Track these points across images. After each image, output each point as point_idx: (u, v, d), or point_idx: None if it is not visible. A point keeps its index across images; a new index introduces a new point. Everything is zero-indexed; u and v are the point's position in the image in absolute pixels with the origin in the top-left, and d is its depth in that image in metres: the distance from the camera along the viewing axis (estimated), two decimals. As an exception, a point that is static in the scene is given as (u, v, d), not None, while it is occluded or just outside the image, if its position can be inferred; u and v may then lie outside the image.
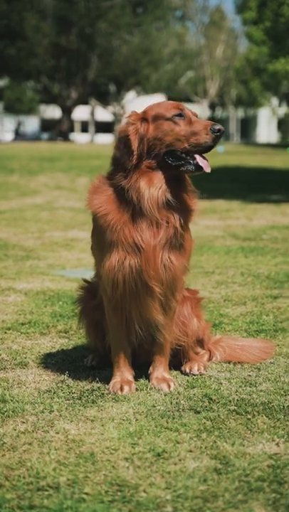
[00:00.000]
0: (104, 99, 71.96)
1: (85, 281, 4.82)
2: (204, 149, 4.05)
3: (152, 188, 4.03)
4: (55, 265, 8.18)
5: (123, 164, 4.07)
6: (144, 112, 4.14)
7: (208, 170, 4.08)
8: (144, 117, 4.10)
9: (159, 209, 4.06)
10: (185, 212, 4.17)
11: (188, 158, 4.06)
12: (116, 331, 4.35)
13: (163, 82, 70.96)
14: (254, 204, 15.34)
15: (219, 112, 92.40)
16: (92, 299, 4.58)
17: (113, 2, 56.79)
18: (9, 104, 76.06)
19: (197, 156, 4.06)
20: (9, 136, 73.61)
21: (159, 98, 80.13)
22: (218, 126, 4.02)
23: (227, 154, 40.82)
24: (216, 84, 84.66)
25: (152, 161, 4.06)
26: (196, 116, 4.14)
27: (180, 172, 4.10)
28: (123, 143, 4.09)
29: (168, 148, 4.05)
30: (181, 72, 78.58)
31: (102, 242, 4.18)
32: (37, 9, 56.15)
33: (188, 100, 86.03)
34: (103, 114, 77.95)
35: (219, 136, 4.04)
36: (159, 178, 4.06)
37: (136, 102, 70.31)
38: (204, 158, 4.10)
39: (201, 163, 4.06)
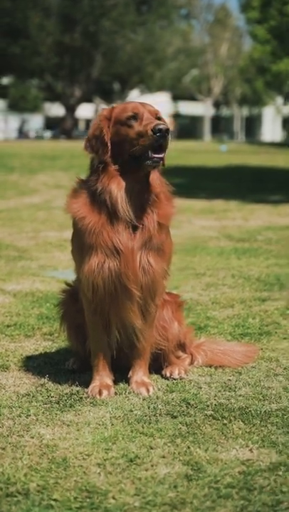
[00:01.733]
0: (109, 98, 71.94)
1: (67, 284, 4.82)
2: (153, 149, 4.00)
3: (122, 192, 4.04)
4: (46, 266, 8.18)
5: (97, 159, 4.08)
6: (111, 110, 4.17)
7: (159, 156, 4.00)
8: (110, 116, 4.12)
9: (134, 212, 4.07)
10: (160, 216, 4.17)
11: (145, 155, 4.02)
12: (95, 334, 4.35)
13: (167, 80, 70.94)
14: (252, 204, 15.33)
15: (223, 111, 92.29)
16: (74, 303, 4.58)
17: (117, 0, 56.74)
18: (13, 102, 76.12)
19: (150, 153, 4.01)
20: (13, 134, 73.63)
21: (163, 96, 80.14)
22: (159, 126, 3.96)
23: (230, 153, 40.84)
24: (220, 83, 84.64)
25: (119, 166, 4.08)
26: (156, 114, 4.11)
27: (145, 172, 4.09)
28: (95, 137, 4.11)
29: (128, 153, 4.06)
30: (185, 71, 78.55)
31: (81, 245, 4.19)
32: (41, 7, 56.14)
33: (193, 98, 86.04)
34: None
35: (162, 136, 3.97)
36: (127, 181, 4.08)
37: (140, 100, 70.35)
38: (160, 153, 4.02)
39: (154, 155, 4.01)
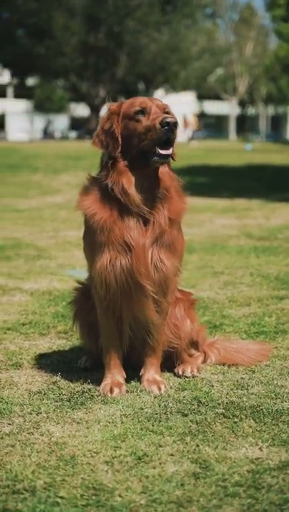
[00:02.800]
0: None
1: (80, 282, 4.82)
2: (161, 143, 3.98)
3: (132, 188, 4.03)
4: (65, 265, 8.19)
5: (108, 154, 4.07)
6: (120, 106, 4.15)
7: (166, 152, 3.99)
8: (119, 112, 4.11)
9: (145, 206, 4.06)
10: (171, 211, 4.15)
11: (153, 150, 4.01)
12: (107, 332, 4.35)
13: (192, 79, 70.76)
14: (274, 203, 15.25)
15: (249, 110, 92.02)
16: (86, 301, 4.57)
17: (142, 0, 56.67)
18: (39, 103, 76.40)
19: (157, 149, 4.00)
20: (39, 134, 73.87)
21: (188, 96, 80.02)
22: (167, 119, 3.94)
23: (254, 152, 40.70)
24: (245, 82, 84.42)
25: (128, 162, 4.07)
26: (165, 109, 4.09)
27: (154, 167, 4.08)
28: (105, 132, 4.10)
29: (136, 148, 4.05)
30: (210, 70, 78.35)
31: (92, 242, 4.19)
32: (65, 7, 56.23)
33: (218, 98, 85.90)
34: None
35: (169, 129, 3.95)
36: (137, 177, 4.07)
37: (165, 100, 70.25)
38: (168, 147, 4.01)
39: (160, 151, 4.00)
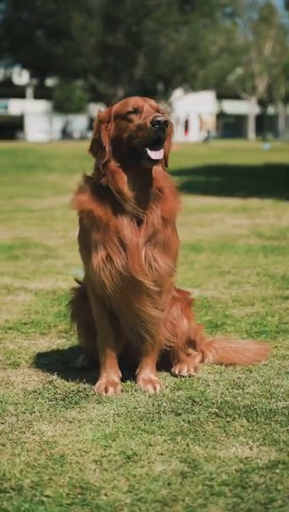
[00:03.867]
0: (152, 98, 71.72)
1: (78, 281, 4.83)
2: (150, 143, 3.99)
3: (125, 187, 4.04)
4: (71, 264, 8.19)
5: (97, 162, 4.11)
6: (110, 110, 4.17)
7: (156, 157, 4.00)
8: (109, 116, 4.13)
9: (138, 205, 4.06)
10: (165, 210, 4.15)
11: (143, 151, 4.02)
12: (103, 332, 4.35)
13: (211, 79, 70.64)
14: (287, 202, 15.17)
15: (268, 109, 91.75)
16: (84, 301, 4.56)
17: (160, 0, 56.66)
18: (58, 103, 76.58)
19: (147, 149, 4.01)
20: (58, 135, 74.07)
21: (207, 95, 79.96)
22: (157, 118, 3.93)
23: (272, 152, 40.58)
24: (264, 81, 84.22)
25: (119, 161, 4.08)
26: (158, 109, 4.09)
27: (145, 168, 4.08)
28: (95, 141, 4.14)
29: (127, 147, 4.05)
30: (229, 69, 78.22)
31: (87, 240, 4.20)
32: (84, 8, 56.33)
33: (237, 97, 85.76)
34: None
35: (160, 128, 3.95)
36: (130, 176, 4.07)
37: (184, 100, 70.23)
38: (156, 149, 4.01)
39: (150, 155, 4.00)
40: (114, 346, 4.36)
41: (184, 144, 53.57)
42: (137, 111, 4.05)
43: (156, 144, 3.99)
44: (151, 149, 3.98)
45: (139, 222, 4.11)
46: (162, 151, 4.03)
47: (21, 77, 70.08)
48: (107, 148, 4.08)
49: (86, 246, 4.24)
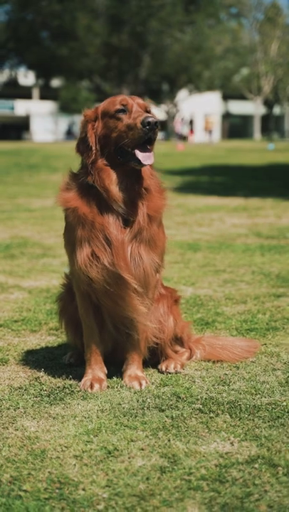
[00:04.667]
0: (158, 98, 71.98)
1: (67, 277, 4.83)
2: (140, 143, 4.01)
3: (112, 185, 4.05)
4: (67, 263, 8.20)
5: (83, 161, 4.12)
6: (96, 109, 4.18)
7: (146, 162, 4.03)
8: (96, 114, 4.13)
9: (124, 204, 4.07)
10: (151, 208, 4.16)
11: (133, 152, 4.05)
12: (89, 329, 4.36)
13: (216, 79, 70.61)
14: (288, 202, 15.17)
15: (274, 109, 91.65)
16: (72, 298, 4.58)
17: (164, 0, 56.68)
18: (64, 104, 76.61)
19: (136, 150, 4.03)
20: (63, 135, 74.06)
21: (213, 96, 79.90)
22: (148, 119, 3.96)
23: (276, 152, 40.50)
24: (270, 81, 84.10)
25: (106, 159, 4.09)
26: (146, 107, 4.10)
27: (132, 167, 4.09)
28: (82, 140, 4.14)
29: (115, 146, 4.07)
30: (235, 70, 78.17)
31: (73, 237, 4.21)
32: (89, 9, 56.38)
33: (243, 98, 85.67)
34: (157, 113, 77.91)
35: (150, 128, 3.97)
36: (117, 174, 4.09)
37: (189, 100, 70.23)
38: (146, 150, 4.04)
39: (139, 157, 4.02)
40: (99, 343, 4.37)
41: (188, 144, 53.56)
42: (125, 109, 4.07)
43: (146, 144, 4.01)
44: (140, 150, 4.01)
45: (125, 219, 4.12)
46: (152, 154, 4.06)
47: (27, 77, 70.14)
48: (94, 148, 4.09)
49: (71, 243, 4.25)
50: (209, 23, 64.59)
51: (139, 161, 4.02)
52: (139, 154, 4.03)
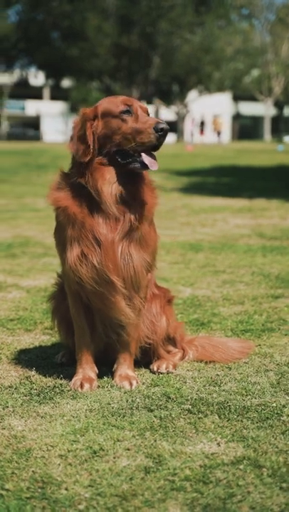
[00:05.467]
0: (168, 99, 72.03)
1: (59, 276, 4.83)
2: (149, 148, 4.02)
3: (106, 185, 4.03)
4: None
5: (78, 159, 4.07)
6: (96, 108, 4.13)
7: (153, 168, 4.04)
8: (95, 113, 4.09)
9: (116, 204, 4.05)
10: (142, 207, 4.14)
11: (136, 155, 4.04)
12: (79, 329, 4.35)
13: (226, 80, 70.57)
14: (294, 203, 15.15)
15: (284, 111, 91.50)
16: (65, 297, 4.56)
17: (174, 1, 56.63)
18: (75, 104, 76.74)
19: (143, 154, 4.03)
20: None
21: (223, 97, 79.86)
22: (161, 125, 3.97)
23: (286, 153, 40.43)
24: (281, 83, 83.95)
25: (103, 158, 4.05)
26: (147, 111, 4.11)
27: (129, 169, 4.07)
28: (79, 138, 4.08)
29: (117, 148, 4.04)
30: (245, 71, 78.09)
31: (63, 237, 4.20)
32: (99, 9, 56.38)
33: (253, 99, 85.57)
34: (167, 114, 78.02)
35: (163, 135, 4.00)
36: (111, 174, 4.06)
37: (199, 101, 70.20)
38: (152, 155, 4.06)
39: (146, 161, 4.03)
40: (89, 343, 4.36)
41: (199, 145, 53.52)
42: (130, 111, 4.06)
43: (153, 150, 4.04)
44: (147, 155, 4.03)
45: (116, 218, 4.10)
46: (156, 161, 4.07)
47: (37, 78, 70.28)
48: (91, 147, 4.07)
49: (62, 242, 4.24)
50: (220, 24, 64.50)
51: (146, 165, 4.03)
52: (146, 159, 4.03)
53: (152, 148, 4.03)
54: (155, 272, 4.57)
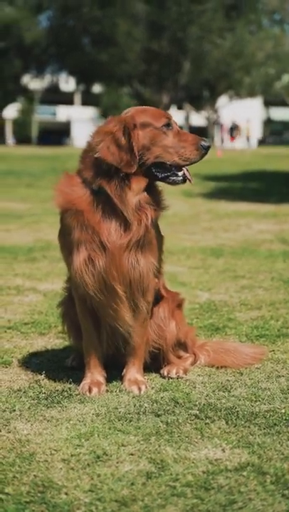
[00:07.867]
0: (198, 104, 71.96)
1: (68, 281, 4.81)
2: (191, 163, 4.10)
3: (133, 195, 4.00)
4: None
5: (123, 170, 3.95)
6: (132, 117, 4.04)
7: (192, 181, 4.18)
8: (134, 123, 4.01)
9: (135, 211, 4.02)
10: (156, 211, 4.12)
11: (174, 169, 4.09)
12: (87, 333, 4.33)
13: (257, 85, 70.33)
14: None
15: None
16: (74, 301, 4.54)
17: (205, 6, 56.52)
18: (105, 110, 76.95)
19: (184, 169, 4.11)
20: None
21: (254, 102, 79.65)
22: (207, 144, 4.09)
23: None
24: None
25: (139, 170, 4.00)
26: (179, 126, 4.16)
27: (165, 182, 4.13)
28: (125, 148, 3.97)
29: (156, 160, 4.03)
30: (276, 76, 77.74)
31: (69, 241, 4.17)
32: (129, 15, 56.43)
33: (284, 104, 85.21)
34: (198, 119, 77.95)
35: (206, 153, 4.11)
36: (140, 185, 4.03)
37: (229, 107, 70.06)
38: (187, 169, 4.16)
39: (188, 176, 4.14)
40: (98, 347, 4.33)
41: (229, 150, 53.42)
42: (170, 124, 4.09)
43: (192, 164, 4.14)
44: (186, 169, 4.15)
45: (129, 225, 4.05)
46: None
47: (68, 83, 70.54)
48: (138, 157, 3.99)
49: (68, 246, 4.22)
50: (251, 29, 64.29)
51: (187, 179, 4.14)
52: (187, 174, 4.13)
53: (193, 163, 4.10)
54: (163, 276, 4.54)
